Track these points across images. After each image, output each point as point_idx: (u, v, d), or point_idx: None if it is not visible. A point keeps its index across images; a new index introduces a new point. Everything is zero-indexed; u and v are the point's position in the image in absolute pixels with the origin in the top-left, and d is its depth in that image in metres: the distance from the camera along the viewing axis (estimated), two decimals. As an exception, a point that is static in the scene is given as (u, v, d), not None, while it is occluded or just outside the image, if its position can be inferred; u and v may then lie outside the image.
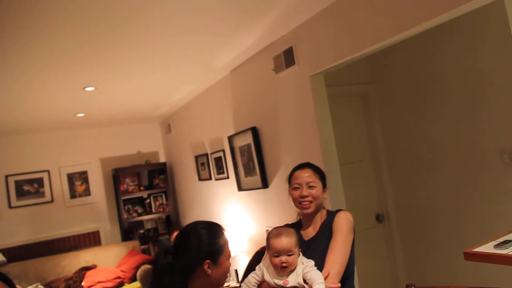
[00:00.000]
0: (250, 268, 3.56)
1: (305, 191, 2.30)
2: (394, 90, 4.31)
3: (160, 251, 1.90)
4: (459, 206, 3.77)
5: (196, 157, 5.96)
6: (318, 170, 2.42)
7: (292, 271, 2.07)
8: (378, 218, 4.46)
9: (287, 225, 2.42)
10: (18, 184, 6.36)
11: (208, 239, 1.86)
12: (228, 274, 1.92)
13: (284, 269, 2.06)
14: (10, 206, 6.27)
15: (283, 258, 2.05)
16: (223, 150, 5.12)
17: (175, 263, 1.81)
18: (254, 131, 4.29)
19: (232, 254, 1.99)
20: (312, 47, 3.40)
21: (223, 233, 1.93)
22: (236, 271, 4.90)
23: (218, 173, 5.35)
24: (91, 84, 4.32)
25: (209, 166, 5.61)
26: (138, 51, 3.60)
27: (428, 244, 4.11)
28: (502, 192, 3.39)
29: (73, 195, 6.72)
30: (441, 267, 3.97)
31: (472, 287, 1.99)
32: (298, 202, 2.33)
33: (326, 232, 2.28)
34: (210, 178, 5.65)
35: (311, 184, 2.31)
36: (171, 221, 7.03)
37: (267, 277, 2.13)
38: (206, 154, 5.64)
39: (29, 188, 6.42)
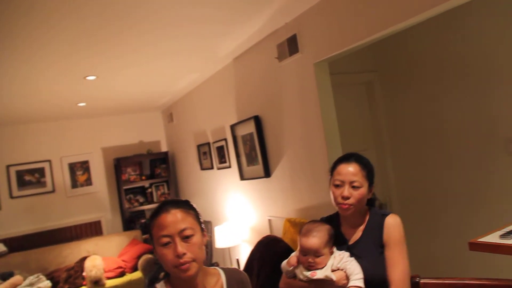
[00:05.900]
0: (252, 258, 3.54)
1: (347, 192, 2.00)
2: (398, 78, 4.27)
3: None
4: (464, 195, 3.73)
5: (198, 146, 5.93)
6: (367, 165, 2.08)
7: None
8: (381, 207, 4.40)
9: (322, 219, 2.22)
10: (19, 174, 6.33)
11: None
12: (172, 264, 1.52)
13: (310, 267, 1.99)
14: (11, 196, 6.25)
15: (310, 258, 1.98)
16: (225, 139, 5.09)
17: None
18: (257, 120, 4.25)
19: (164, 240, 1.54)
20: (316, 34, 3.35)
21: (155, 215, 1.58)
22: (237, 260, 4.89)
23: (220, 162, 5.31)
24: (92, 73, 4.27)
25: (211, 155, 5.58)
26: (139, 40, 3.55)
27: (431, 234, 4.08)
28: (509, 181, 3.35)
29: (74, 185, 6.70)
30: (446, 258, 3.94)
31: (477, 278, 1.95)
32: (337, 201, 2.04)
33: (373, 237, 2.03)
34: (212, 168, 5.62)
35: (356, 184, 2.01)
36: (173, 210, 6.98)
37: (298, 268, 2.07)
38: (208, 143, 5.61)
39: (30, 178, 6.40)
